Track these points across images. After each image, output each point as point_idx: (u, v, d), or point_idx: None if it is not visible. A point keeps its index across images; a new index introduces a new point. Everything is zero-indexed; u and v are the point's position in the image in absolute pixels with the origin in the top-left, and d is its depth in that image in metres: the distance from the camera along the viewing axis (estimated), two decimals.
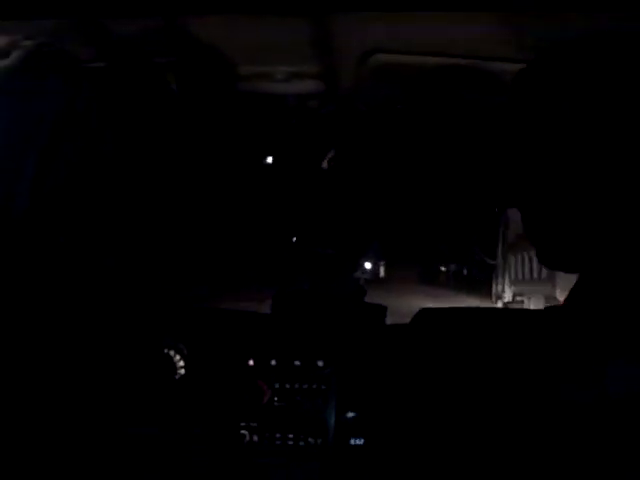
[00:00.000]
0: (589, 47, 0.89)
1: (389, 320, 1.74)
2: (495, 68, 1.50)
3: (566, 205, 0.92)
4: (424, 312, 1.70)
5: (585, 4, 1.24)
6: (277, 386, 1.58)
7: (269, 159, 2.00)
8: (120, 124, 1.54)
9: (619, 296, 0.90)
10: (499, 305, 9.10)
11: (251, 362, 1.61)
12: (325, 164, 1.95)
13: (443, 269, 16.01)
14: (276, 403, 1.57)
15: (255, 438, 1.56)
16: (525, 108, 0.95)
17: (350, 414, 1.55)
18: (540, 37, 1.40)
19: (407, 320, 1.67)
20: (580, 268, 1.00)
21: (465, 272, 14.80)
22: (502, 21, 1.34)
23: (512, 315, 1.77)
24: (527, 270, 8.19)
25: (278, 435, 1.56)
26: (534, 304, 7.32)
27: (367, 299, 1.83)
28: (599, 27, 0.93)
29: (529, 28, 1.36)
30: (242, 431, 1.57)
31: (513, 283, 9.09)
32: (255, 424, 1.57)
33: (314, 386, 1.57)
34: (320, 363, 1.58)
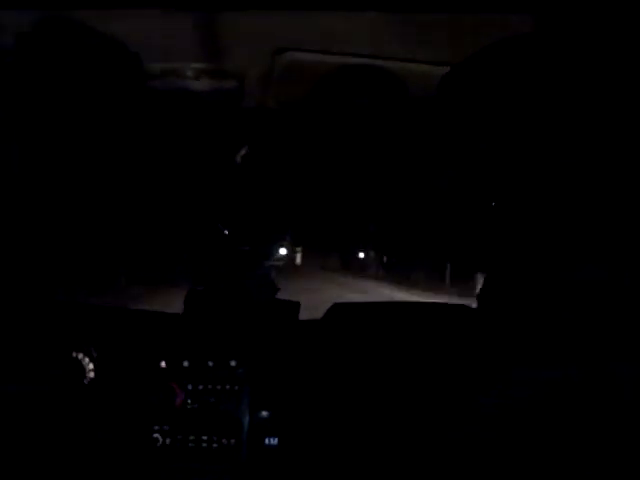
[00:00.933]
0: (509, 53, 0.91)
1: (303, 315, 1.74)
2: (395, 68, 1.53)
3: (478, 207, 0.94)
4: (336, 307, 1.72)
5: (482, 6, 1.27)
6: (190, 387, 1.56)
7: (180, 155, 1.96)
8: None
9: (524, 301, 0.93)
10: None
11: (163, 364, 1.58)
12: (239, 159, 1.93)
13: (361, 256, 16.00)
14: (189, 405, 1.55)
15: (168, 441, 1.54)
16: (450, 110, 0.97)
17: (264, 413, 1.54)
18: (444, 38, 1.43)
19: (320, 315, 1.69)
20: (489, 269, 1.03)
21: (385, 260, 14.80)
22: (406, 22, 1.36)
23: (424, 310, 1.81)
24: None
25: (192, 437, 1.54)
26: None
27: (282, 290, 1.82)
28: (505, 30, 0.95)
29: (432, 28, 1.39)
30: (155, 434, 1.54)
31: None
32: (168, 427, 1.54)
33: (227, 386, 1.56)
34: (233, 363, 1.57)
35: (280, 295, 1.79)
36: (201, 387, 1.56)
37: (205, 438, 1.53)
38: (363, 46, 1.48)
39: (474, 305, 1.11)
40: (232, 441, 1.53)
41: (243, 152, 1.92)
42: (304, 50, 1.51)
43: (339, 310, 1.71)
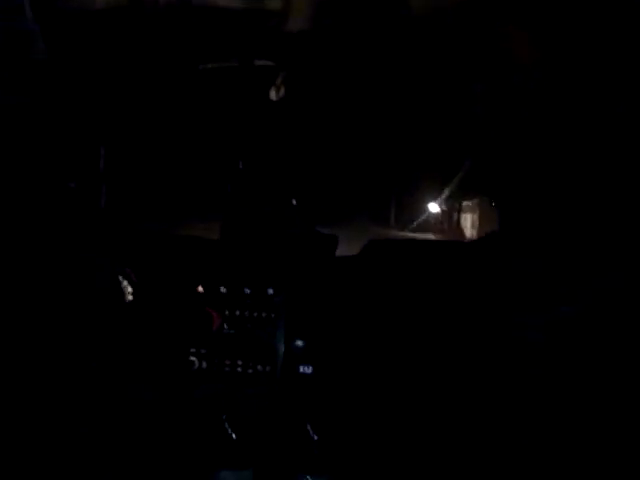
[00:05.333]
0: None
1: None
2: None
3: None
4: (372, 243, 1.72)
5: None
6: (227, 313, 1.58)
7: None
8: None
9: (540, 246, 0.92)
10: None
11: (200, 289, 1.60)
12: (273, 94, 1.90)
13: None
14: (225, 330, 1.58)
15: (204, 365, 1.57)
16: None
17: (299, 342, 1.56)
18: None
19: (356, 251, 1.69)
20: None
21: None
22: None
23: (457, 247, 1.81)
24: None
25: (227, 362, 1.57)
26: None
27: None
28: None
29: None
30: (191, 358, 1.57)
31: None
32: (204, 351, 1.57)
33: (264, 314, 1.57)
34: (270, 291, 1.59)
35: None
36: (238, 313, 1.58)
37: (240, 363, 1.56)
38: None
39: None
40: (267, 367, 1.56)
41: (279, 81, 1.89)
42: None
43: (375, 246, 1.71)
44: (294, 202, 1.81)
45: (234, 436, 1.50)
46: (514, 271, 1.22)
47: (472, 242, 1.89)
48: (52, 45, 1.49)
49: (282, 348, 1.56)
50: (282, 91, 1.91)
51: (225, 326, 1.58)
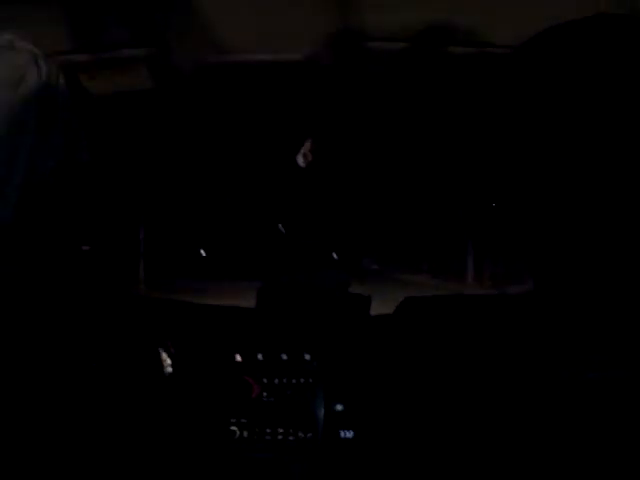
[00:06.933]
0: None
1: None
2: None
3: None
4: (408, 301, 1.71)
5: None
6: (265, 381, 1.58)
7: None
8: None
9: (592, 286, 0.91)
10: None
11: (238, 357, 1.61)
12: (301, 159, 1.93)
13: None
14: (265, 398, 1.58)
15: (245, 434, 1.57)
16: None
17: (339, 407, 1.55)
18: None
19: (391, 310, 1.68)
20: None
21: None
22: None
23: (495, 302, 1.78)
24: None
25: (268, 430, 1.56)
26: None
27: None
28: None
29: None
30: (232, 427, 1.57)
31: None
32: (245, 420, 1.57)
33: (302, 380, 1.57)
34: (307, 356, 1.59)
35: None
36: (276, 380, 1.58)
37: (281, 430, 1.56)
38: None
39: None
40: (308, 434, 1.55)
41: (306, 149, 1.92)
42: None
43: (411, 304, 1.70)
44: (335, 257, 1.83)
45: None
46: (556, 327, 1.20)
47: (511, 296, 1.87)
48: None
49: (322, 413, 1.55)
50: (309, 157, 1.95)
51: (264, 394, 1.58)
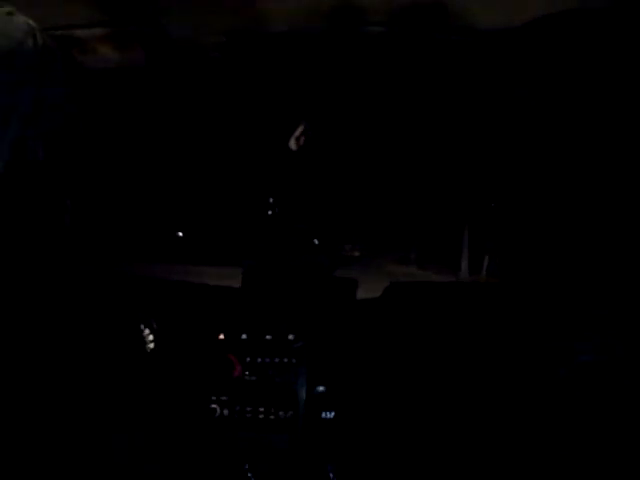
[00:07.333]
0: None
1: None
2: None
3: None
4: (394, 287, 1.72)
5: None
6: (248, 360, 1.58)
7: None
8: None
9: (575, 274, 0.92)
10: None
11: (222, 336, 1.61)
12: (293, 143, 1.92)
13: None
14: (247, 377, 1.57)
15: (226, 412, 1.56)
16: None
17: (321, 388, 1.55)
18: None
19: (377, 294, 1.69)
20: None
21: None
22: None
23: (477, 290, 1.79)
24: None
25: (249, 409, 1.56)
26: None
27: None
28: None
29: None
30: (213, 405, 1.57)
31: None
32: (226, 398, 1.57)
33: (285, 360, 1.57)
34: (291, 337, 1.58)
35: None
36: (259, 360, 1.58)
37: (262, 409, 1.55)
38: None
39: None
40: (289, 413, 1.54)
41: (299, 132, 1.91)
42: None
43: (396, 289, 1.70)
44: (316, 242, 1.82)
45: None
46: (540, 310, 1.21)
47: (494, 284, 1.88)
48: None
49: (304, 394, 1.55)
50: (302, 141, 1.94)
51: (246, 373, 1.57)
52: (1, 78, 0.97)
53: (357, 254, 1.91)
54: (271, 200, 1.90)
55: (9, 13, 1.01)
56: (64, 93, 1.11)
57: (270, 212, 1.90)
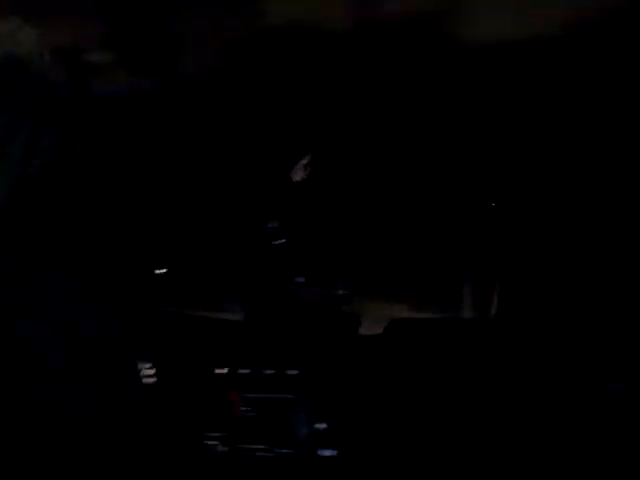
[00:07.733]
0: None
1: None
2: None
3: None
4: (396, 323, 1.70)
5: None
6: (247, 396, 1.56)
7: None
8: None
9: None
10: None
11: (221, 371, 1.58)
12: (297, 173, 1.92)
13: None
14: (246, 413, 1.55)
15: (225, 449, 1.53)
16: None
17: (321, 425, 1.53)
18: None
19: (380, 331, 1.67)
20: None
21: None
22: None
23: (483, 326, 1.77)
24: None
25: (247, 446, 1.53)
26: None
27: None
28: None
29: None
30: (212, 442, 1.54)
31: None
32: (224, 434, 1.54)
33: (285, 396, 1.55)
34: (291, 372, 1.56)
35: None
36: (258, 396, 1.55)
37: (261, 447, 1.52)
38: None
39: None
40: (288, 450, 1.52)
41: (303, 165, 1.91)
42: None
43: (399, 326, 1.69)
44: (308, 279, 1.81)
45: None
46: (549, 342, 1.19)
47: (495, 319, 1.86)
48: None
49: (304, 431, 1.52)
50: (307, 171, 1.93)
51: (245, 409, 1.55)
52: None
53: (343, 292, 1.88)
54: (275, 232, 1.89)
55: (19, 27, 1.02)
56: (69, 109, 1.11)
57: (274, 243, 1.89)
